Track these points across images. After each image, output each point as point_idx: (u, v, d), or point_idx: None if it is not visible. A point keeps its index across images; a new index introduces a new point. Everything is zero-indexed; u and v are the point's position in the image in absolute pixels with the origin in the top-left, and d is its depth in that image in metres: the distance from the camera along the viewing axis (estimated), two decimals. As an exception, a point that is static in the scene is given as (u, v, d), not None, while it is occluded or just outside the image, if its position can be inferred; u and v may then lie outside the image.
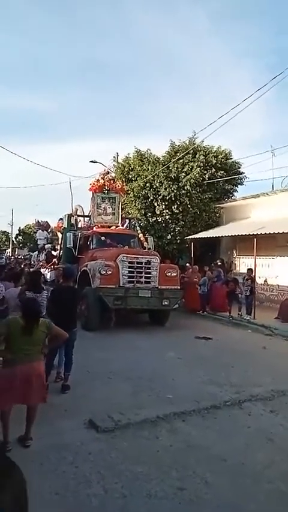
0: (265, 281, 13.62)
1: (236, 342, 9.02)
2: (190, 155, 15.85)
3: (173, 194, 15.52)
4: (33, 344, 3.72)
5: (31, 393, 3.67)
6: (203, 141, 16.08)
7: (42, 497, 2.98)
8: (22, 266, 14.08)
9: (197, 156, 15.89)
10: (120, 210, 13.07)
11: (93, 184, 12.81)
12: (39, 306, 4.13)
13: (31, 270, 12.34)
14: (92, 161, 20.03)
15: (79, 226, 13.42)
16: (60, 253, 12.88)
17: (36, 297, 5.81)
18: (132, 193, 16.27)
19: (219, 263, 14.35)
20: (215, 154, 16.32)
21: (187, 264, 14.81)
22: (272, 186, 16.77)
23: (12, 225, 50.18)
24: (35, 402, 3.75)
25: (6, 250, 48.03)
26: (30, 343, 3.69)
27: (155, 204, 16.03)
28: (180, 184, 15.57)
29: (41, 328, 3.77)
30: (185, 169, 15.66)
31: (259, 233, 11.47)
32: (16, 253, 41.52)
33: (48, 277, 11.85)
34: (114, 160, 20.11)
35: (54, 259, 13.37)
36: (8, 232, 54.14)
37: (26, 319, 3.68)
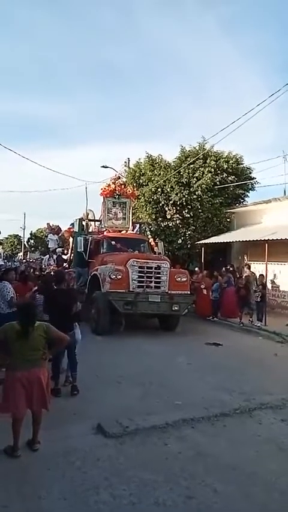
0: (277, 287, 13.45)
1: (247, 348, 8.91)
2: (201, 160, 15.84)
3: (184, 199, 15.50)
4: (32, 349, 3.66)
5: (32, 400, 3.63)
6: (212, 146, 16.08)
7: (50, 503, 2.97)
8: (31, 271, 14.04)
9: (208, 161, 15.86)
10: (130, 215, 13.11)
11: (104, 189, 12.89)
12: (35, 310, 4.04)
13: (42, 273, 12.46)
14: (103, 166, 20.19)
15: (90, 230, 13.49)
16: (71, 257, 12.95)
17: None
18: (143, 198, 16.30)
19: (231, 268, 14.23)
20: (226, 159, 16.26)
21: (196, 269, 14.75)
22: (284, 191, 16.68)
23: (24, 229, 50.78)
24: (36, 409, 3.72)
25: (18, 254, 48.61)
26: (28, 348, 3.64)
27: (166, 209, 16.03)
28: (191, 189, 15.54)
29: (39, 332, 3.70)
30: (196, 175, 15.63)
31: (270, 239, 11.36)
32: (28, 256, 41.92)
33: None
34: (125, 165, 20.21)
35: (65, 263, 13.45)
36: (20, 236, 54.76)
37: (21, 324, 3.66)
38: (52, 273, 12.59)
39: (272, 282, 13.35)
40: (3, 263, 27.55)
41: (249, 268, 13.09)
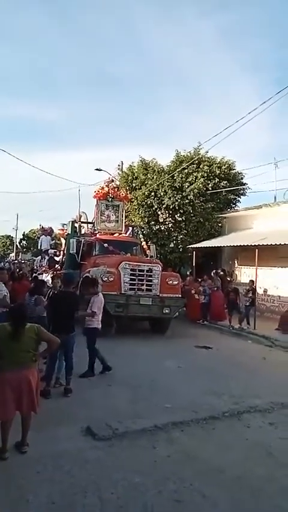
0: (266, 292, 13.58)
1: (236, 352, 8.96)
2: (195, 165, 15.95)
3: (176, 203, 15.58)
4: (23, 350, 3.64)
5: (22, 401, 3.61)
6: (207, 152, 16.22)
7: (38, 506, 2.96)
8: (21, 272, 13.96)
9: (201, 166, 15.98)
10: (123, 218, 13.14)
11: (98, 191, 12.91)
12: (26, 311, 4.01)
13: (34, 275, 12.40)
14: (97, 169, 20.16)
15: (82, 232, 13.47)
16: (63, 259, 12.90)
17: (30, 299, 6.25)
18: (136, 201, 16.35)
19: (221, 272, 14.33)
20: (219, 164, 16.42)
21: (187, 273, 14.86)
22: (275, 197, 16.78)
23: (16, 230, 50.40)
24: (25, 411, 3.69)
25: (10, 255, 48.22)
26: (19, 349, 3.62)
27: (159, 213, 16.09)
28: (184, 193, 15.63)
29: (29, 333, 3.69)
30: (189, 179, 15.73)
31: (261, 244, 11.47)
32: (20, 257, 41.58)
33: (50, 282, 11.87)
34: (118, 169, 20.24)
35: (57, 265, 13.40)
36: (12, 237, 54.33)
37: (12, 325, 3.64)
38: (43, 275, 12.57)
39: (262, 286, 13.46)
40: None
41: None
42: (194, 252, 15.08)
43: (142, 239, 13.50)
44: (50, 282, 11.78)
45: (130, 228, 14.08)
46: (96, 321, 6.35)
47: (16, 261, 29.27)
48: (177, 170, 15.65)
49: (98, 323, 6.38)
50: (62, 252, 13.76)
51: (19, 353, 3.63)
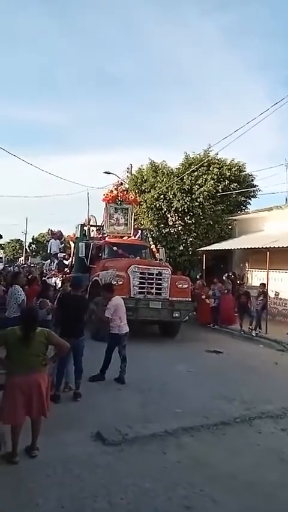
0: (278, 295, 13.42)
1: (247, 356, 8.86)
2: (204, 167, 15.90)
3: (186, 206, 15.54)
4: (33, 355, 3.65)
5: (31, 405, 3.61)
6: (217, 154, 16.17)
7: (48, 510, 2.96)
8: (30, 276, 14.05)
9: (211, 168, 15.93)
10: (132, 221, 13.13)
11: (107, 194, 12.93)
12: (37, 315, 4.00)
13: (43, 279, 12.50)
14: (106, 172, 20.26)
15: (91, 236, 13.51)
16: (72, 262, 12.96)
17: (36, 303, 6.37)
18: (145, 204, 16.36)
19: (232, 276, 14.23)
20: (229, 166, 16.34)
21: (197, 276, 14.80)
22: (286, 199, 16.68)
23: (26, 234, 50.89)
24: (35, 415, 3.69)
25: (20, 259, 48.74)
26: (29, 353, 3.63)
27: (168, 216, 16.07)
28: (193, 196, 15.59)
29: (40, 338, 3.69)
30: (198, 182, 15.68)
31: (272, 246, 11.36)
32: (29, 261, 42.00)
33: (59, 286, 11.92)
34: (127, 172, 20.30)
35: (66, 269, 13.46)
36: (21, 241, 54.86)
37: (22, 329, 3.65)
38: (52, 278, 12.66)
39: (273, 290, 13.32)
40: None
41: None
42: (204, 255, 15.01)
43: (151, 242, 13.48)
44: (60, 286, 11.88)
45: (139, 231, 14.04)
46: (117, 326, 6.33)
47: (25, 265, 29.53)
48: (187, 172, 15.62)
49: (118, 329, 6.34)
50: (71, 256, 13.82)
51: (29, 357, 3.64)
